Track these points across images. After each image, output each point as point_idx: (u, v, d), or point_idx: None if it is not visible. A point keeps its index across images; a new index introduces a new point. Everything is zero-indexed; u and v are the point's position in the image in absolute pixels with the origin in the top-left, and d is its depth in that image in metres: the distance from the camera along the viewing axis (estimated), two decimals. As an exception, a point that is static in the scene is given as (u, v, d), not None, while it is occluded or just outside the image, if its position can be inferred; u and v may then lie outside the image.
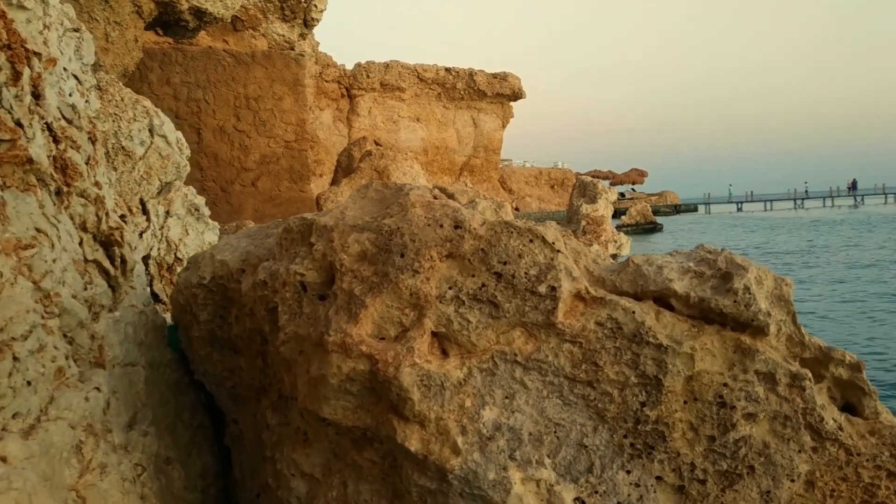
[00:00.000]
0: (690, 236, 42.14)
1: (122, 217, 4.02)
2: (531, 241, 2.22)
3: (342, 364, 2.13)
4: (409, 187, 2.40)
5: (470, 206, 2.53)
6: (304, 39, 31.58)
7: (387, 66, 48.50)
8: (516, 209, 52.28)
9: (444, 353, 2.17)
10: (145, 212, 4.12)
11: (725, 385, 2.17)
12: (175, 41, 23.88)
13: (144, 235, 4.06)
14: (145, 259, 4.07)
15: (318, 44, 43.95)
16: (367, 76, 47.67)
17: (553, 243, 2.22)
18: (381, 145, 22.16)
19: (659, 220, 49.65)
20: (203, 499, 3.05)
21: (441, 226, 2.22)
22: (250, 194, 22.64)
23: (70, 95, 3.11)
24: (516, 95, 53.46)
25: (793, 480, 2.17)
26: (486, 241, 2.21)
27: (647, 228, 44.34)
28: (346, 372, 2.14)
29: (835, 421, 2.20)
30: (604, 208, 15.71)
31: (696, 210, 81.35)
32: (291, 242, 2.47)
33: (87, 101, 3.46)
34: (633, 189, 74.19)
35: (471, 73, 51.47)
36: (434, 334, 2.17)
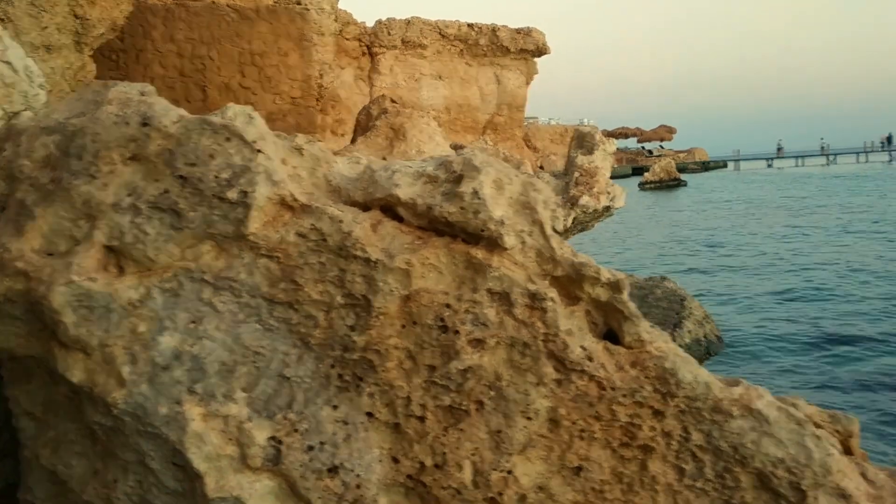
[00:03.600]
0: (716, 192, 41.15)
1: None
2: (227, 139, 1.89)
3: (-3, 283, 1.84)
4: (122, 84, 2.08)
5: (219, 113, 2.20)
6: (316, -6, 30.99)
7: (408, 22, 47.68)
8: (541, 167, 51.46)
9: (122, 271, 1.87)
10: (-14, 144, 3.85)
11: (448, 306, 1.83)
12: (178, -3, 23.56)
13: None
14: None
15: (337, 0, 43.25)
16: (388, 33, 46.90)
17: (254, 143, 1.89)
18: (397, 103, 21.74)
19: (686, 177, 48.49)
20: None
21: (127, 123, 1.90)
22: (254, 151, 22.35)
23: None
24: (541, 51, 52.13)
25: (529, 418, 1.84)
26: (176, 140, 1.89)
27: (670, 185, 43.28)
28: (3, 292, 1.84)
29: (583, 349, 1.86)
30: (601, 160, 15.01)
31: (725, 167, 79.33)
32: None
33: None
34: (661, 146, 72.36)
35: (494, 29, 50.29)
36: (111, 250, 1.87)
